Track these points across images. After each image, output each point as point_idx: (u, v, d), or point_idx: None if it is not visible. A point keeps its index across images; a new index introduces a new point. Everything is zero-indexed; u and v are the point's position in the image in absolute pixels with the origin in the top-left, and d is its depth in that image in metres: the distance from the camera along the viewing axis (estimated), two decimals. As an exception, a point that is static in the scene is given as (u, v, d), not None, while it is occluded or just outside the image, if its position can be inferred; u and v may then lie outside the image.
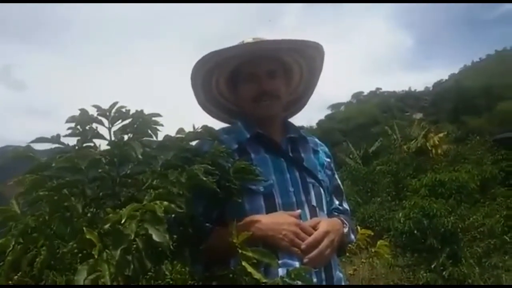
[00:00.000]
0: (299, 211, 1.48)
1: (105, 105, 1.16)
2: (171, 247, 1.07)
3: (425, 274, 6.78)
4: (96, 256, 0.92)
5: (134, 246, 0.99)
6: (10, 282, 1.36)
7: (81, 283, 0.89)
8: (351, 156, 20.41)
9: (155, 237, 0.94)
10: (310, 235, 1.43)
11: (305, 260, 1.39)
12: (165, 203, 1.01)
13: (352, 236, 1.67)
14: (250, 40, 1.61)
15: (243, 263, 1.16)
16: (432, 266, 6.80)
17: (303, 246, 1.40)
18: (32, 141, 1.11)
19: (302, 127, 1.80)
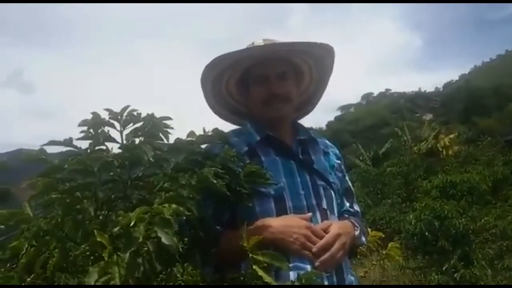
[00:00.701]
0: (309, 214, 1.48)
1: (110, 106, 1.16)
2: (182, 250, 1.07)
3: (436, 276, 6.73)
4: (106, 259, 0.93)
5: (145, 249, 0.99)
6: (23, 284, 1.38)
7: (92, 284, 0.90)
8: (360, 157, 20.35)
9: (163, 240, 0.95)
10: (321, 238, 1.42)
11: (317, 264, 1.38)
12: (174, 205, 1.01)
13: (363, 238, 1.66)
14: (260, 42, 1.61)
15: (254, 267, 1.16)
16: (444, 268, 6.75)
17: (314, 249, 1.40)
18: (45, 144, 1.12)
19: (311, 129, 1.79)
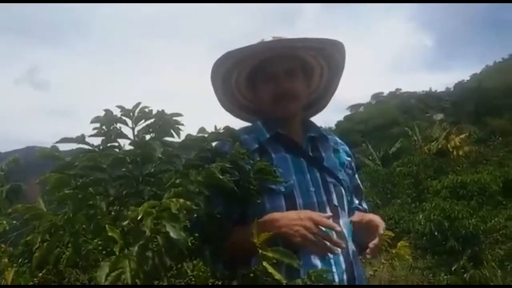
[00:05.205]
0: (329, 214, 1.47)
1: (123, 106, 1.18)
2: (191, 245, 1.09)
3: (445, 277, 6.71)
4: (117, 253, 0.94)
5: (155, 243, 1.01)
6: (35, 280, 1.39)
7: (103, 279, 0.91)
8: (370, 157, 20.29)
9: (171, 234, 0.96)
10: (325, 226, 1.37)
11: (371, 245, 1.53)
12: (181, 200, 1.03)
13: None
14: (270, 39, 1.61)
15: (264, 263, 1.16)
16: (453, 269, 6.74)
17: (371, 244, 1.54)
18: (58, 142, 1.13)
19: (320, 127, 1.78)
